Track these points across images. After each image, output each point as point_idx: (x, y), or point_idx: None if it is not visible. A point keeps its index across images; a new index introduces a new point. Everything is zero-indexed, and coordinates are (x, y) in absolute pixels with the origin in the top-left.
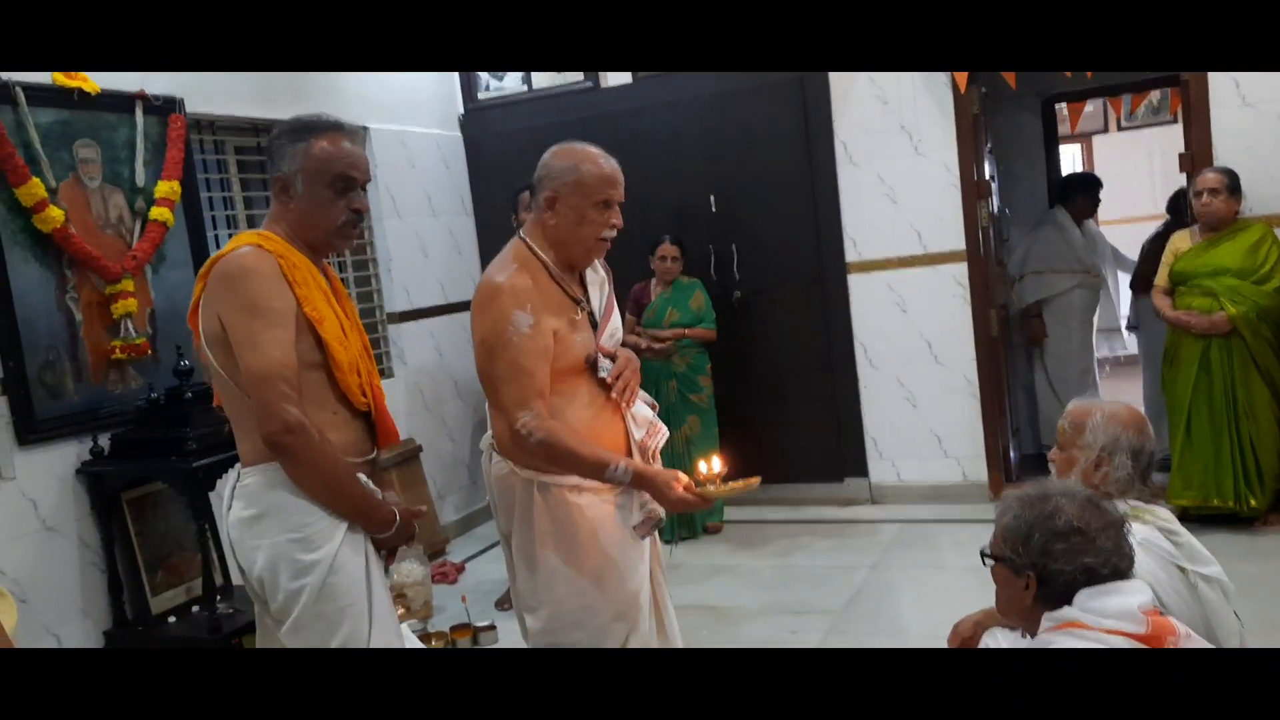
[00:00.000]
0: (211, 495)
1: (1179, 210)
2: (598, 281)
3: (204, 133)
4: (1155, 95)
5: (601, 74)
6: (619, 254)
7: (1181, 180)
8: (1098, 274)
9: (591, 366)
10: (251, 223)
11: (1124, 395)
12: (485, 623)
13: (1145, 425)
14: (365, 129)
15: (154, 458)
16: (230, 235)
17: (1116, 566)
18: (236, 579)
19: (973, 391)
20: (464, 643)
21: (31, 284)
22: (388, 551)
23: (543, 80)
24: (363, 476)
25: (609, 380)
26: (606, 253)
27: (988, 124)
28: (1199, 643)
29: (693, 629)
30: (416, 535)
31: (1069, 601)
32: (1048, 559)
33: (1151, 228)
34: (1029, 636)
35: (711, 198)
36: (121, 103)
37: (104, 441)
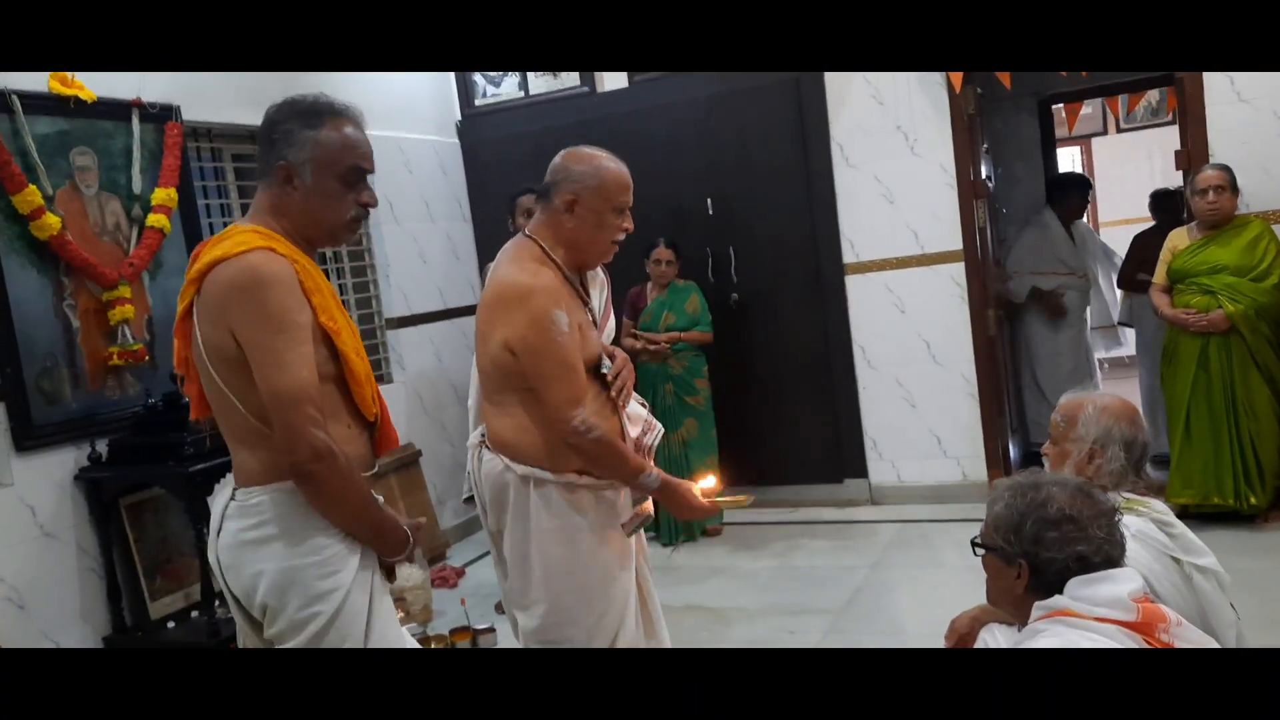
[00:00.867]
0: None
1: (1167, 210)
2: (597, 284)
3: (200, 140)
4: (1154, 96)
5: (597, 78)
6: (615, 257)
7: (1169, 181)
8: (1084, 274)
9: (594, 365)
10: None
11: (1124, 394)
12: (485, 625)
13: (1138, 417)
14: None
15: (151, 463)
16: None
17: (1109, 554)
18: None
19: (971, 391)
20: (463, 645)
21: (29, 291)
22: (388, 569)
23: (539, 85)
24: (379, 496)
25: (609, 378)
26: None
27: (984, 124)
28: (1190, 631)
29: (692, 630)
30: (416, 545)
31: (1060, 590)
32: (1039, 547)
33: None
34: (1021, 628)
35: (708, 200)
36: (118, 110)
37: (102, 447)
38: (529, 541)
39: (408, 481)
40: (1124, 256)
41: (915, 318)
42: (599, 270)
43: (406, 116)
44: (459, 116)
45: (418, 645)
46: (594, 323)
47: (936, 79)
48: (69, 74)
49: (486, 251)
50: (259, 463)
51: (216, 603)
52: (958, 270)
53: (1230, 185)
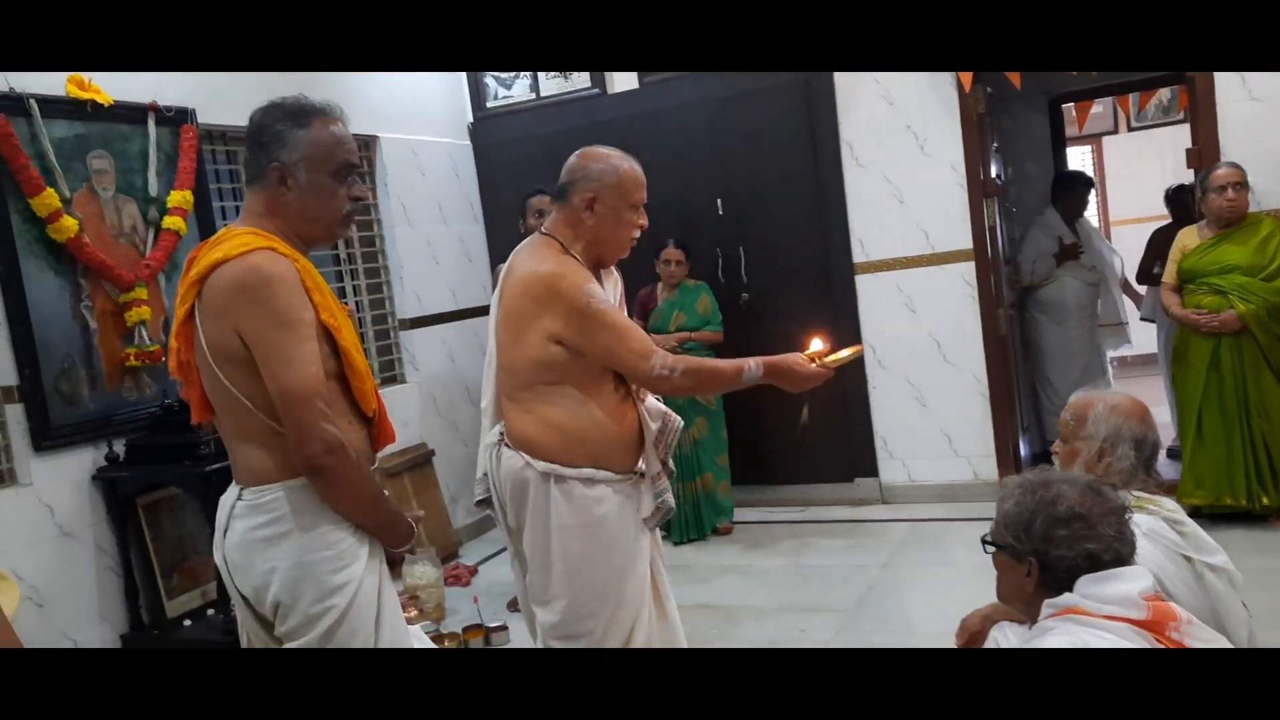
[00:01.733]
0: None
1: (1182, 204)
2: (611, 283)
3: (215, 143)
4: (1165, 94)
5: (608, 80)
6: (625, 258)
7: (1181, 180)
8: (1091, 267)
9: None
10: None
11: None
12: (497, 623)
13: (1148, 415)
14: (376, 138)
15: (168, 463)
16: None
17: (1119, 552)
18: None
19: (982, 390)
20: (476, 643)
21: (47, 293)
22: (393, 562)
23: (550, 87)
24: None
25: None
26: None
27: (994, 123)
28: (1201, 629)
29: (703, 629)
30: (421, 539)
31: (1070, 588)
32: (1049, 545)
33: None
34: (1031, 626)
35: (718, 201)
36: (134, 114)
37: (119, 447)
38: (549, 537)
39: (421, 481)
40: (1143, 254)
41: (926, 317)
42: (613, 268)
43: (419, 119)
44: (471, 119)
45: (425, 638)
46: None
47: (946, 78)
48: (86, 78)
49: (498, 252)
50: (270, 460)
51: (231, 601)
52: (968, 269)
53: (1245, 183)
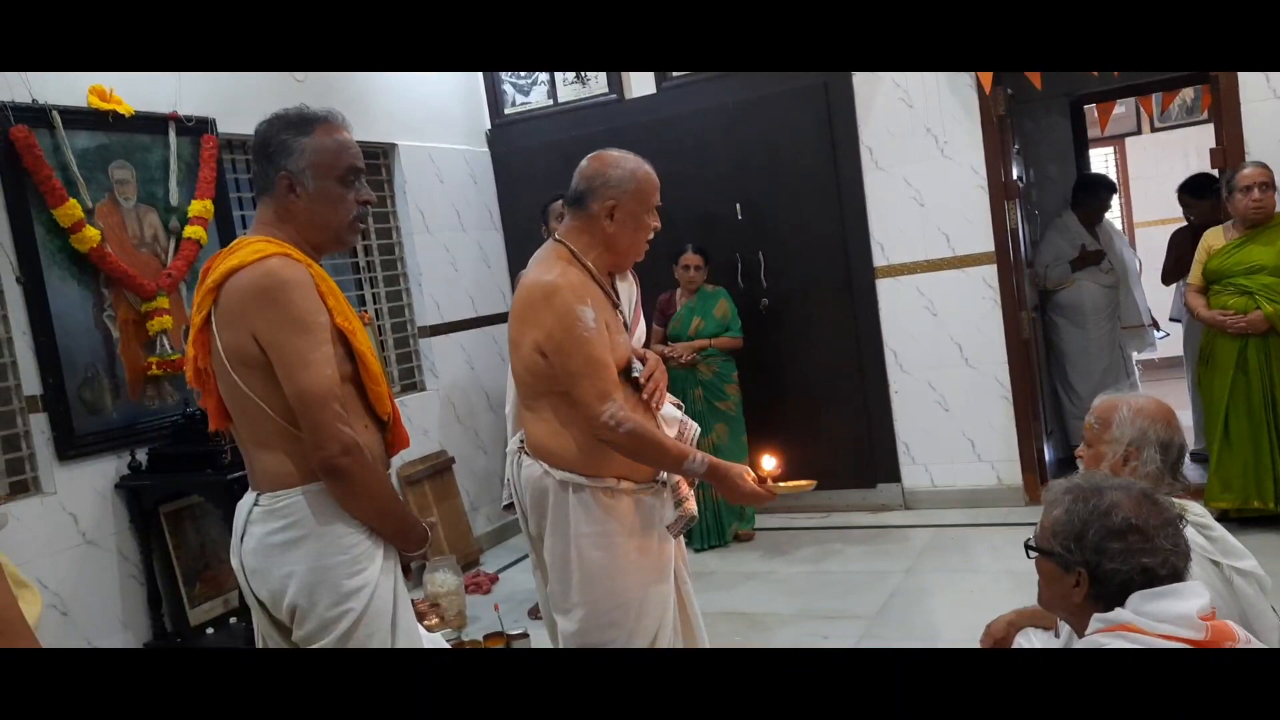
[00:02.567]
0: None
1: (1198, 197)
2: (627, 289)
3: (235, 152)
4: (1189, 94)
5: (625, 85)
6: (644, 264)
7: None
8: (1110, 270)
9: (624, 368)
10: None
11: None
12: (518, 631)
13: (1174, 418)
14: (394, 146)
15: (190, 471)
16: None
17: (1175, 566)
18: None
19: (1005, 394)
20: None
21: (70, 303)
22: (407, 566)
23: (568, 93)
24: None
25: (641, 380)
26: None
27: (1014, 125)
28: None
29: (725, 635)
30: (435, 546)
31: (1122, 602)
32: (1102, 558)
33: None
34: (1059, 636)
35: (737, 206)
36: (155, 124)
37: (142, 456)
38: (568, 546)
39: (441, 488)
40: (1165, 255)
41: (947, 320)
42: (629, 272)
43: (437, 126)
44: (489, 125)
45: (446, 646)
46: (625, 325)
47: (966, 80)
48: (107, 88)
49: (517, 259)
50: (287, 465)
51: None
52: (990, 272)
53: (1272, 183)
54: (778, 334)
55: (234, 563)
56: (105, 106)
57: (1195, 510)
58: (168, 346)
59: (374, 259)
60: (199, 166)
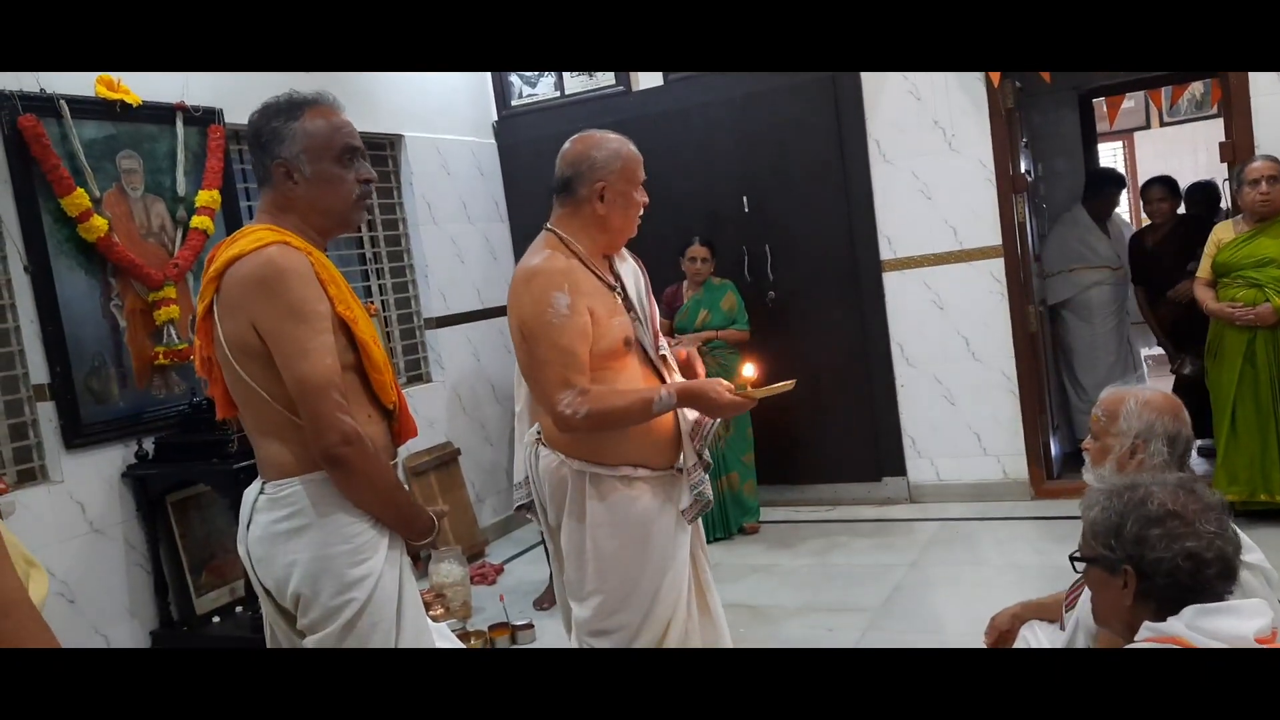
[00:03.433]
0: None
1: (1197, 202)
2: (630, 270)
3: (242, 143)
4: (1198, 88)
5: (632, 78)
6: (650, 257)
7: (1214, 175)
8: (1119, 267)
9: (629, 346)
10: None
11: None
12: (523, 622)
13: (1181, 411)
14: (401, 137)
15: (197, 460)
16: None
17: (1222, 551)
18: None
19: (1011, 388)
20: (502, 642)
21: (77, 292)
22: (415, 555)
23: (575, 85)
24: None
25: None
26: (639, 255)
27: (1023, 119)
28: None
29: (730, 628)
30: (444, 536)
31: (1175, 605)
32: (1144, 548)
33: None
34: (1064, 629)
35: (744, 198)
36: (162, 114)
37: (148, 445)
38: (584, 534)
39: (447, 479)
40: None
41: (954, 314)
42: (627, 254)
43: (444, 118)
44: (495, 117)
45: (452, 636)
46: (630, 306)
47: (974, 74)
48: (115, 78)
49: (523, 251)
50: (290, 454)
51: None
52: (997, 266)
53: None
54: (784, 327)
55: (240, 551)
56: (113, 96)
57: None
58: (174, 336)
59: (380, 250)
60: (206, 157)
